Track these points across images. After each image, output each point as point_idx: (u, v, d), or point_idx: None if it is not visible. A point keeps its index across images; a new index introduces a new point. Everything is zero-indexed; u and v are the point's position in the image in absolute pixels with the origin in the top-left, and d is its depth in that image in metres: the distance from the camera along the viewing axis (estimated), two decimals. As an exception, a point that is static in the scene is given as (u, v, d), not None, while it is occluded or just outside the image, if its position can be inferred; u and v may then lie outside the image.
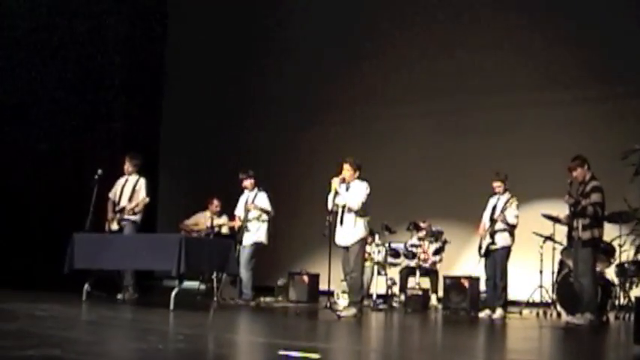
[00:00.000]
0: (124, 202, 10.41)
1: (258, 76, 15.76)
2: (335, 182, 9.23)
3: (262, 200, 10.95)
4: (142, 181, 10.56)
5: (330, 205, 9.21)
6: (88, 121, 14.38)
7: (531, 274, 10.75)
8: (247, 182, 11.01)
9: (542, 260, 10.55)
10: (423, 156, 13.82)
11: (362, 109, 14.69)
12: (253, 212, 10.84)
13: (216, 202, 12.09)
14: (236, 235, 10.98)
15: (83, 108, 14.20)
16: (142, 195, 10.40)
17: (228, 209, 11.75)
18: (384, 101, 14.45)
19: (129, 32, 15.21)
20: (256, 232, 10.89)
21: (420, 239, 11.81)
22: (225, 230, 11.81)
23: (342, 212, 9.19)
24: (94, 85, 14.48)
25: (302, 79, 15.36)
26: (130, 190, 10.46)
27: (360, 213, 9.18)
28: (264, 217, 10.90)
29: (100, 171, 10.24)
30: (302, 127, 15.25)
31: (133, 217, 10.38)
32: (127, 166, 10.63)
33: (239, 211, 11.11)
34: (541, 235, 10.55)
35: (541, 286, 10.57)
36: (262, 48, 15.70)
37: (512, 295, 10.37)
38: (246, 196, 11.10)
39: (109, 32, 14.55)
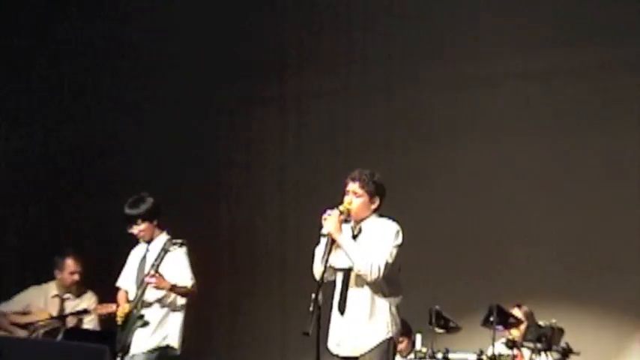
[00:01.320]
0: None
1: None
2: (331, 220, 4.94)
3: (176, 264, 6.25)
4: None
5: (317, 270, 4.99)
6: None
7: None
8: (140, 227, 6.22)
9: None
10: (514, 173, 8.14)
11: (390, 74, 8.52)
12: (155, 292, 6.23)
13: (70, 262, 7.27)
14: (116, 332, 6.41)
15: None
16: None
17: (97, 279, 7.15)
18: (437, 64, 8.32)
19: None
20: (160, 328, 6.34)
21: (511, 342, 7.41)
22: (90, 323, 7.32)
23: (346, 284, 5.10)
24: None
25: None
26: None
27: (383, 288, 5.05)
28: (180, 300, 6.28)
29: None
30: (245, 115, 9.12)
31: None
32: None
33: (125, 282, 6.46)
34: None
35: None
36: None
37: None
38: (141, 252, 6.35)
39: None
